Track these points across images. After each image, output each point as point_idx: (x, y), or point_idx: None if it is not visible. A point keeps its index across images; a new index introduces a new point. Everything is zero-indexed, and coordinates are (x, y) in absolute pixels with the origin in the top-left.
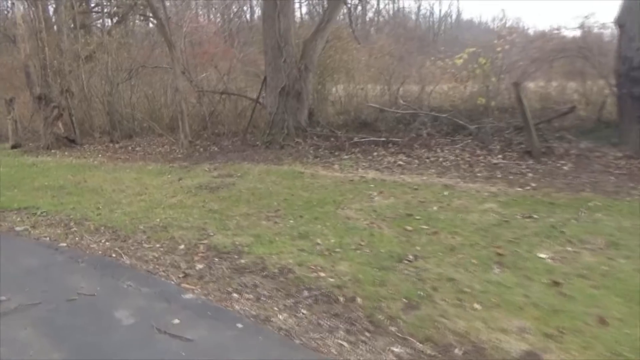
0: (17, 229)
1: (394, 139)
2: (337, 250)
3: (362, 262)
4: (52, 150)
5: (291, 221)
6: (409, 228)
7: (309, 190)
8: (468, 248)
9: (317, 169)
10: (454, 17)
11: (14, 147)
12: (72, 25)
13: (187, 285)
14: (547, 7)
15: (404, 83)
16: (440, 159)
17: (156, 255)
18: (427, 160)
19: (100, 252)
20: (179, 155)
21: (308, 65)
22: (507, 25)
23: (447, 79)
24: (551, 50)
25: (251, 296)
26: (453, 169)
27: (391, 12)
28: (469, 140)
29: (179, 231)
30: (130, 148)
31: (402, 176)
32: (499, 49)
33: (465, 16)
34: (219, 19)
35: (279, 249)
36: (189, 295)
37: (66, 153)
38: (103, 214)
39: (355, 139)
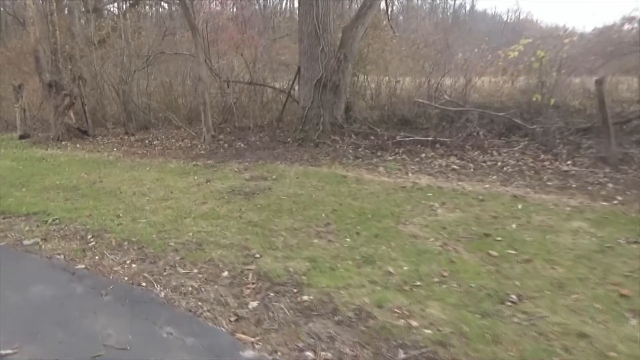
0: (26, 242)
1: (441, 139)
2: (418, 283)
3: (456, 303)
4: (63, 142)
5: (347, 239)
6: (494, 253)
7: (358, 199)
8: (579, 285)
9: (360, 172)
10: (467, 8)
11: (22, 137)
12: (84, 9)
13: (244, 336)
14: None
15: (444, 76)
16: (499, 164)
17: (195, 286)
18: (483, 164)
19: (126, 279)
20: (202, 152)
21: (347, 55)
22: (521, 18)
23: (493, 72)
24: (628, 43)
25: (329, 355)
26: (517, 175)
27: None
28: (526, 142)
29: (217, 250)
30: (147, 141)
31: (460, 183)
32: (566, 40)
33: (479, 7)
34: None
35: (344, 280)
36: (248, 354)
37: (78, 145)
38: (125, 223)
39: (398, 138)
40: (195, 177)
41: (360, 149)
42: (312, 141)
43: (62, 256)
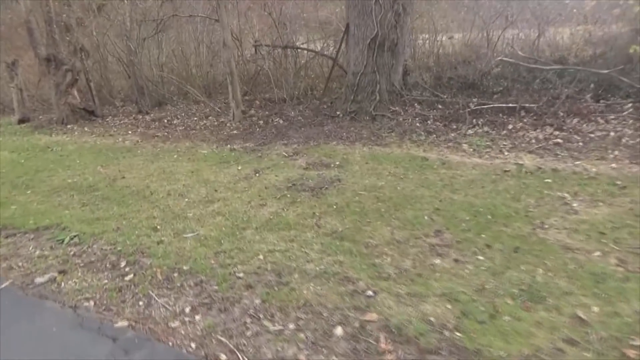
0: (39, 280)
1: (526, 105)
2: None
3: None
4: (69, 126)
5: (479, 257)
6: None
7: (458, 190)
8: None
9: (442, 152)
10: None
11: (21, 121)
12: None
13: None
14: None
15: (507, 27)
16: (613, 134)
17: (303, 359)
18: (592, 135)
19: (193, 346)
20: (234, 131)
21: (406, 7)
22: None
23: (571, 21)
24: None
25: None
26: None
27: None
28: (633, 105)
29: (307, 284)
30: (165, 121)
31: (577, 162)
32: None
33: None
34: None
35: (521, 337)
36: None
37: (86, 129)
38: (166, 241)
39: (472, 106)
40: (240, 168)
41: (429, 122)
42: (368, 114)
43: (92, 303)
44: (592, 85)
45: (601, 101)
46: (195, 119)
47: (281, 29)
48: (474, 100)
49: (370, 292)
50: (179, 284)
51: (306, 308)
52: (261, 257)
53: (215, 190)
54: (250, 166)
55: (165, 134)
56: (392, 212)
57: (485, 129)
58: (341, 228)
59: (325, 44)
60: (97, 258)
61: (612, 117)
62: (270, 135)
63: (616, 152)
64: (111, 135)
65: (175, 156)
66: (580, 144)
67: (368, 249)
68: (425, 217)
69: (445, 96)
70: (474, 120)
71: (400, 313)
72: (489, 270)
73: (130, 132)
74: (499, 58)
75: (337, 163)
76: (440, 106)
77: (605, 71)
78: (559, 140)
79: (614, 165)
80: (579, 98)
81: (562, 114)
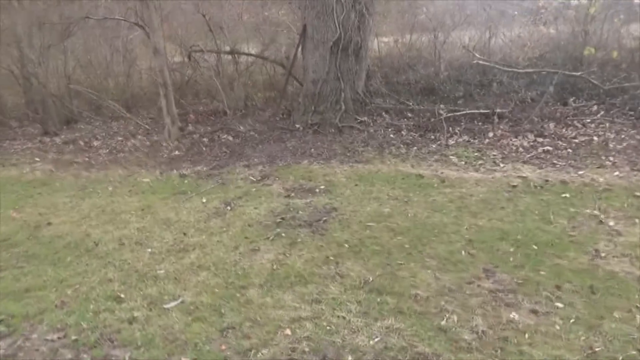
0: None
1: (498, 110)
2: None
3: None
4: None
5: (558, 304)
6: None
7: (477, 214)
8: None
9: (432, 167)
10: None
11: None
12: None
13: None
14: None
15: (455, 29)
16: (597, 139)
17: None
18: (575, 141)
19: None
20: (176, 152)
21: (368, 6)
22: None
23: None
24: None
25: None
26: (638, 155)
27: None
28: (601, 107)
29: None
30: (82, 143)
31: (580, 172)
32: None
33: None
34: None
35: None
36: None
37: None
38: (141, 317)
39: (444, 114)
40: (204, 200)
41: (403, 133)
42: (333, 126)
43: None
44: (551, 88)
45: (567, 105)
46: (120, 139)
47: (217, 33)
48: (441, 106)
49: None
50: None
51: None
52: (288, 331)
53: (184, 234)
54: (216, 197)
55: (86, 159)
56: (419, 247)
57: (465, 137)
58: (371, 277)
59: (269, 49)
60: (43, 358)
61: (588, 120)
62: (223, 155)
63: (611, 159)
64: (13, 165)
65: (110, 189)
66: (570, 150)
67: (420, 305)
68: (463, 253)
69: (411, 103)
70: (450, 128)
71: None
72: (580, 322)
73: (38, 159)
74: (475, 61)
75: (322, 187)
76: (409, 114)
77: (579, 73)
78: (548, 148)
79: (617, 173)
80: (546, 102)
81: (536, 119)
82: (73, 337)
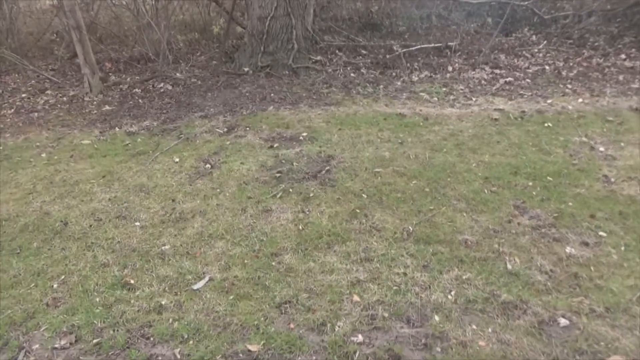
0: None
1: (451, 44)
2: None
3: None
4: None
5: (601, 233)
6: None
7: (477, 150)
8: None
9: (408, 105)
10: None
11: None
12: None
13: None
14: None
15: None
16: (549, 68)
17: None
18: (530, 71)
19: None
20: (106, 107)
21: None
22: None
23: None
24: None
25: None
26: (590, 82)
27: None
28: (539, 36)
29: (461, 328)
30: None
31: (549, 101)
32: None
33: None
34: None
35: None
36: None
37: None
38: (168, 304)
39: (398, 50)
40: (176, 160)
41: (363, 71)
42: (287, 67)
43: None
44: (489, 20)
45: (509, 35)
46: (24, 95)
47: None
48: (392, 42)
49: (563, 321)
50: None
51: None
52: (356, 297)
53: (173, 200)
54: (188, 155)
55: None
56: (440, 190)
57: (426, 73)
58: (410, 227)
59: None
60: None
61: (535, 50)
62: (169, 107)
63: (569, 87)
64: None
65: (43, 155)
66: (528, 81)
67: (475, 250)
68: (485, 191)
69: (361, 40)
70: (409, 64)
71: None
72: (632, 249)
73: None
74: None
75: (305, 135)
76: (363, 51)
77: (525, 3)
78: (509, 79)
79: (581, 100)
80: (489, 33)
81: (487, 51)
82: (94, 341)
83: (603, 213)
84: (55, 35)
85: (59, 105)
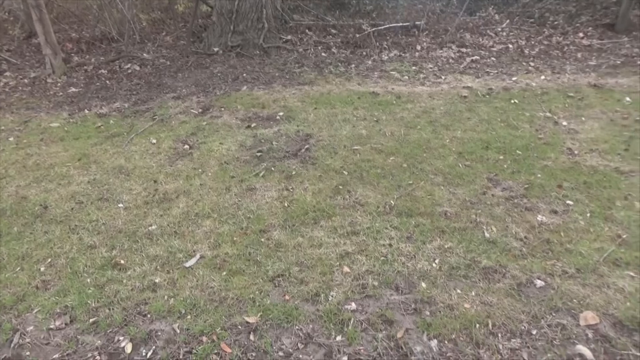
0: None
1: (417, 23)
2: None
3: None
4: None
5: (568, 202)
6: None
7: (450, 126)
8: None
9: (380, 84)
10: None
11: None
12: None
13: None
14: None
15: None
16: (512, 46)
17: None
18: (494, 50)
19: None
20: (72, 89)
21: None
22: None
23: None
24: None
25: None
26: (552, 59)
27: None
28: (496, 17)
29: (447, 292)
30: None
31: (514, 79)
32: None
33: None
34: None
35: None
36: None
37: None
38: (162, 282)
39: (367, 29)
40: (153, 141)
41: (334, 50)
42: (257, 47)
43: None
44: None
45: (473, 15)
46: None
47: None
48: (361, 21)
49: (539, 283)
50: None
51: (481, 329)
52: (346, 268)
53: (155, 182)
54: (165, 136)
55: None
56: (417, 166)
57: (395, 52)
58: (391, 201)
59: None
60: (63, 352)
61: (499, 29)
62: (138, 88)
63: (532, 64)
64: None
65: (11, 139)
66: (494, 59)
67: (454, 221)
68: (460, 165)
69: (330, 19)
70: (378, 43)
71: (611, 300)
72: (596, 215)
73: None
74: None
75: (281, 114)
76: (333, 30)
77: None
78: (475, 57)
79: (544, 77)
80: (454, 12)
81: (453, 30)
82: (90, 320)
83: (569, 183)
84: (8, 14)
85: (20, 88)
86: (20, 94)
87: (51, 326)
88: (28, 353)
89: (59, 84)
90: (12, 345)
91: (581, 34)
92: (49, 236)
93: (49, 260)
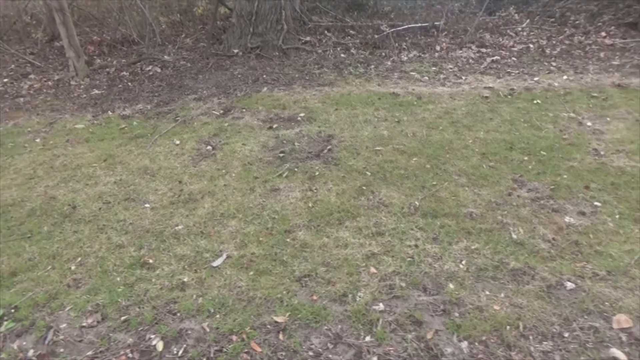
0: None
1: (437, 23)
2: None
3: None
4: None
5: (596, 203)
6: None
7: (472, 127)
8: None
9: (400, 84)
10: None
11: None
12: None
13: None
14: None
15: None
16: (533, 46)
17: None
18: (515, 50)
19: None
20: (95, 91)
21: None
22: None
23: None
24: None
25: None
26: (573, 59)
27: None
28: (520, 15)
29: (475, 295)
30: None
31: (536, 79)
32: None
33: None
34: None
35: None
36: None
37: None
38: (190, 281)
39: (386, 30)
40: (177, 142)
41: (353, 51)
42: (277, 48)
43: None
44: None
45: (493, 14)
46: (6, 80)
47: None
48: (380, 22)
49: (569, 285)
50: None
51: (512, 331)
52: (372, 269)
53: (180, 182)
54: (188, 137)
55: None
56: (441, 167)
57: (415, 52)
58: (416, 202)
59: None
60: (96, 349)
61: (519, 29)
62: (160, 90)
63: (554, 64)
64: None
65: (38, 140)
66: (514, 59)
67: (481, 222)
68: (484, 166)
69: (349, 20)
70: (397, 44)
71: None
72: (625, 217)
73: None
74: None
75: (302, 115)
76: (352, 32)
77: None
78: (496, 57)
79: (566, 77)
80: (473, 12)
81: (472, 30)
82: (121, 318)
83: (596, 184)
84: (30, 17)
85: (44, 90)
86: (44, 96)
87: (83, 324)
88: (62, 350)
89: (82, 86)
90: (46, 341)
91: (603, 33)
92: (79, 235)
93: (79, 259)
